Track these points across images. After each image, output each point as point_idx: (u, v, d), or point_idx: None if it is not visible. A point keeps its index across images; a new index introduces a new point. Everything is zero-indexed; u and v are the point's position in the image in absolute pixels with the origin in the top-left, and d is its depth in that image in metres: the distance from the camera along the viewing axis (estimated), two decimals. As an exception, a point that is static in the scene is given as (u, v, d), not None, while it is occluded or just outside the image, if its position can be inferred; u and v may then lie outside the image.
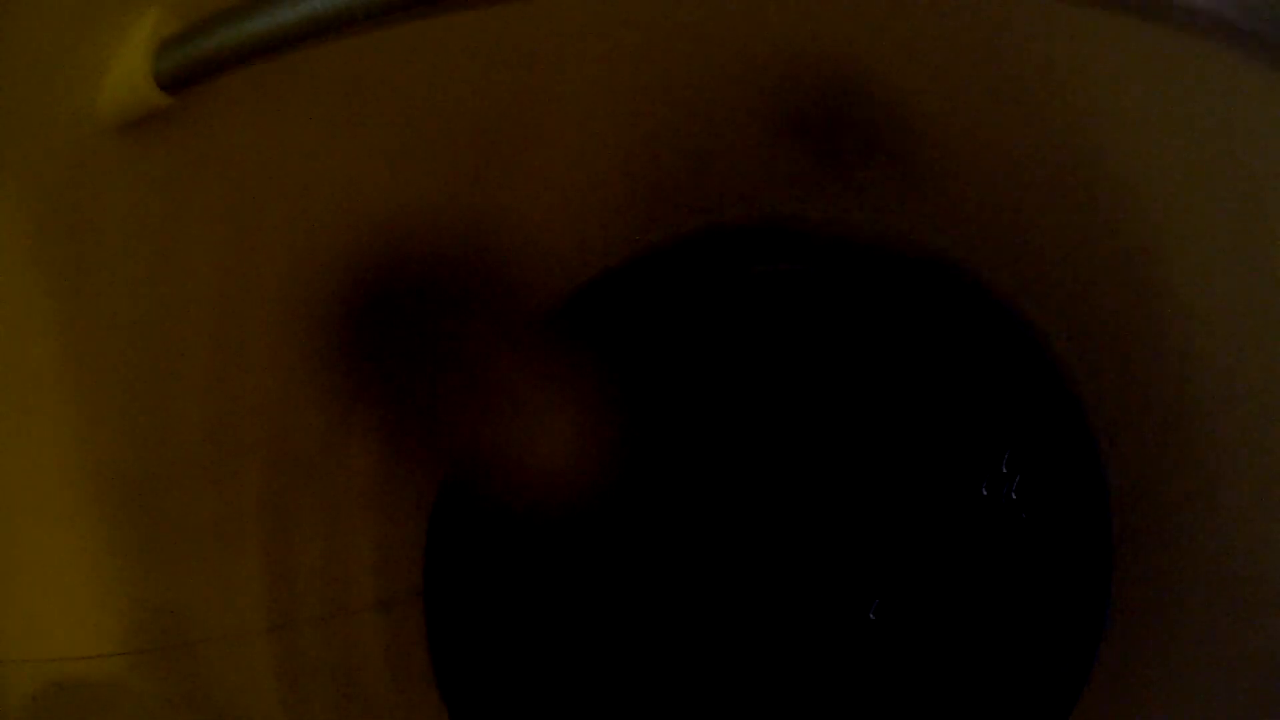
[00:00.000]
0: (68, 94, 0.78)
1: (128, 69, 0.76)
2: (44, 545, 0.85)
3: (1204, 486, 1.11)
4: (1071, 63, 1.01)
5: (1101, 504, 1.28)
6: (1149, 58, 0.96)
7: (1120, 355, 1.20)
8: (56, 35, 0.76)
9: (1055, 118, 1.06)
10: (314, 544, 1.02)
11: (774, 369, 1.36)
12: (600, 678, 1.30)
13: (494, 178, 1.07)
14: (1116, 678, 1.24)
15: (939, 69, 1.06)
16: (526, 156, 1.08)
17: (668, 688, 1.32)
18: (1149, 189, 1.06)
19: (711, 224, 1.25)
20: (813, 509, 1.34)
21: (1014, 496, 1.35)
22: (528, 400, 1.23)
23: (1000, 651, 1.32)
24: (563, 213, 1.16)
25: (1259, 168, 0.97)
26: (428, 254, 1.09)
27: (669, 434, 1.33)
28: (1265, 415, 1.03)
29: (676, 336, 1.34)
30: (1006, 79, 1.05)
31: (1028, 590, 1.32)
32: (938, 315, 1.33)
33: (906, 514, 1.34)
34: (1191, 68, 0.93)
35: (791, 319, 1.36)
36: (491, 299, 1.17)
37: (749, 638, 1.34)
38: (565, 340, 1.26)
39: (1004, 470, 1.35)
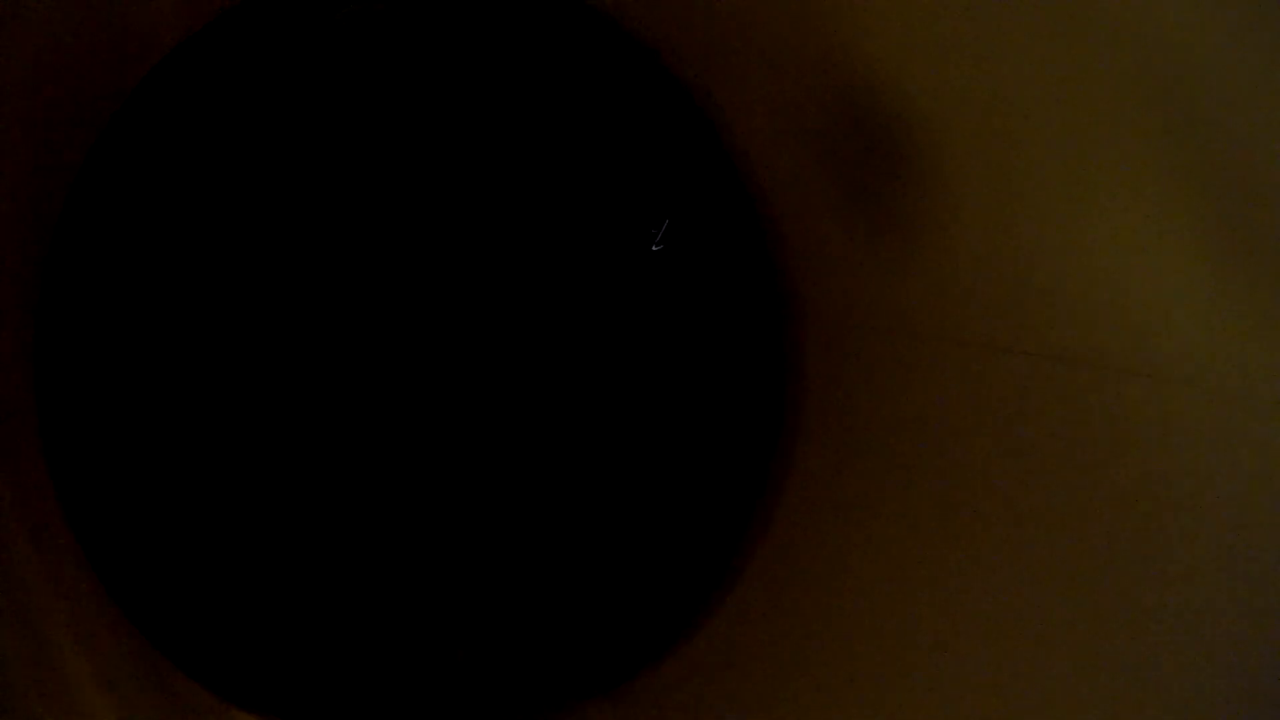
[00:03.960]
0: None
1: None
2: None
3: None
4: None
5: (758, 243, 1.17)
6: None
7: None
8: None
9: None
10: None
11: (397, 107, 1.22)
12: (221, 461, 1.18)
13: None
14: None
15: None
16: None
17: (303, 452, 1.21)
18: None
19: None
20: (454, 254, 1.22)
21: (663, 244, 1.24)
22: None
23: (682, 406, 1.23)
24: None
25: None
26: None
27: (284, 188, 1.19)
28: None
29: (288, 75, 1.19)
30: None
31: (700, 342, 1.23)
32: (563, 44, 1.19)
33: (558, 261, 1.24)
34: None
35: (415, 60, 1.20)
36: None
37: (391, 405, 1.20)
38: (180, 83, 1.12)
39: (653, 216, 1.24)
